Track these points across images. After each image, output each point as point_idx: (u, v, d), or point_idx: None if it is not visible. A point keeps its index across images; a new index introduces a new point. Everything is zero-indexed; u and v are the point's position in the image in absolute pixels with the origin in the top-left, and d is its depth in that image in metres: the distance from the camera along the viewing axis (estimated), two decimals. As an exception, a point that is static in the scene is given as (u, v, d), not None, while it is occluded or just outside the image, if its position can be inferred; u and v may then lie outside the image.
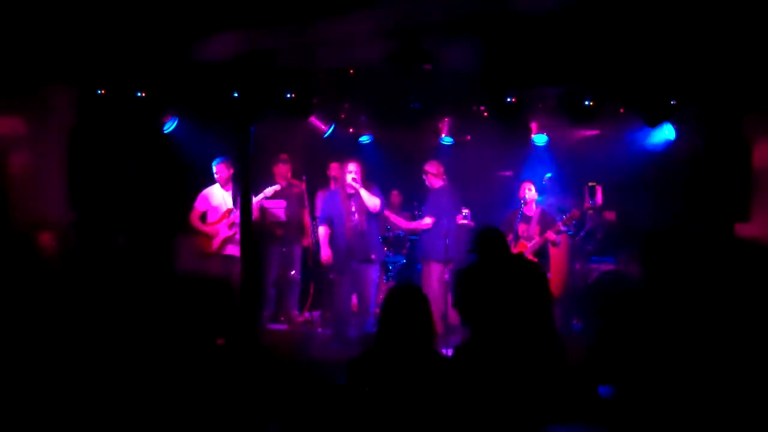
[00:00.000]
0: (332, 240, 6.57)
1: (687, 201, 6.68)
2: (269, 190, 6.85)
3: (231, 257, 6.73)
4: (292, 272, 7.23)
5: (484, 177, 8.31)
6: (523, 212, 6.67)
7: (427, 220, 6.82)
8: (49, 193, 6.28)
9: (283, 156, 7.34)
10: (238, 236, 6.63)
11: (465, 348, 3.02)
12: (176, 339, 2.66)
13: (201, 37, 5.66)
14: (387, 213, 6.93)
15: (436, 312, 6.70)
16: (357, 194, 6.37)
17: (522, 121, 7.45)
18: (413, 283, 6.49)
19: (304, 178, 7.41)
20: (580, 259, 7.47)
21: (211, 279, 2.87)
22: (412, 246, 7.74)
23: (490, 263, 4.17)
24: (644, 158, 7.34)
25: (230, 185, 6.86)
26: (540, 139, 7.73)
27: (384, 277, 7.57)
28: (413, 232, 7.42)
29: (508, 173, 8.46)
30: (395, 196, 8.16)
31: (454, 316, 6.19)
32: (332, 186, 7.64)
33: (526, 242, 6.50)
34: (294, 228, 7.28)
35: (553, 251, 6.77)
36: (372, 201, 6.35)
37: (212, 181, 6.88)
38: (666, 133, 7.09)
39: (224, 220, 6.77)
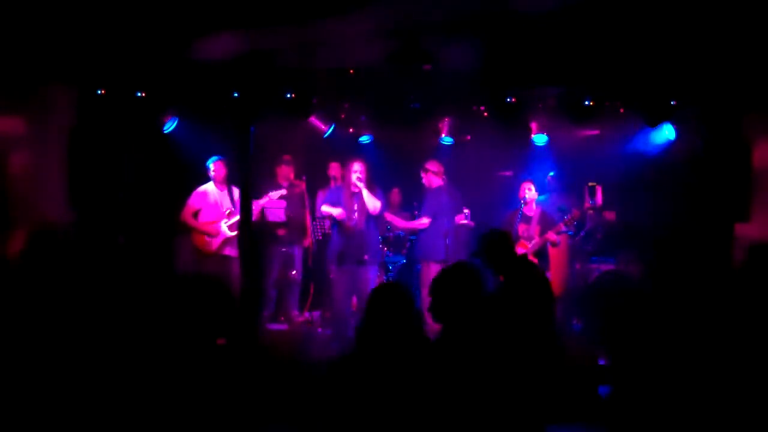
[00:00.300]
0: (330, 237, 6.66)
1: (687, 201, 6.68)
2: (275, 194, 6.86)
3: (228, 257, 6.74)
4: (293, 272, 7.24)
5: (484, 177, 8.31)
6: (523, 212, 6.67)
7: (424, 220, 6.81)
8: (49, 193, 6.27)
9: (286, 157, 7.35)
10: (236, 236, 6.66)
11: (439, 344, 3.02)
12: (176, 339, 2.66)
13: (201, 37, 5.66)
14: (385, 213, 6.93)
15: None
16: (360, 194, 6.38)
17: (522, 121, 7.45)
18: (399, 282, 6.50)
19: (304, 178, 7.42)
20: (580, 259, 7.47)
21: (210, 278, 2.86)
22: (412, 246, 7.74)
23: (496, 265, 4.17)
24: (644, 158, 7.34)
25: (225, 184, 6.87)
26: (540, 139, 7.73)
27: (384, 277, 7.57)
28: (412, 232, 7.42)
29: (508, 173, 8.45)
30: (395, 194, 8.16)
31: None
32: (332, 186, 7.65)
33: (526, 242, 6.50)
34: (294, 228, 7.28)
35: (553, 251, 6.77)
36: (373, 202, 6.35)
37: (207, 179, 6.89)
38: (666, 133, 7.09)
39: (223, 221, 6.77)
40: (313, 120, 7.76)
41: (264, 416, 2.92)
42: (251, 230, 6.34)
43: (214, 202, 6.84)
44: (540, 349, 3.75)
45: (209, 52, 5.76)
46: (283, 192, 6.93)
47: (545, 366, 3.78)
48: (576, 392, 5.11)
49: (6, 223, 5.82)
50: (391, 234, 7.75)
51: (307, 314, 7.44)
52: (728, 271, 5.86)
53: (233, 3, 5.40)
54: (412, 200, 7.95)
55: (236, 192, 6.86)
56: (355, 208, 6.43)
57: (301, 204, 7.34)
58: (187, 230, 6.86)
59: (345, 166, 6.70)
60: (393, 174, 8.03)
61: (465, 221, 7.21)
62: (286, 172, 7.27)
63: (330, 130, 8.04)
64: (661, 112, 6.79)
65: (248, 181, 6.14)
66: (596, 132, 7.92)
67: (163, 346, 2.68)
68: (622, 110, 7.12)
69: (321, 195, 7.79)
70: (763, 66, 5.70)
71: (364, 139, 8.40)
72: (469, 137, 8.44)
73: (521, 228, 6.54)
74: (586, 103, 6.81)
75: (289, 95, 6.89)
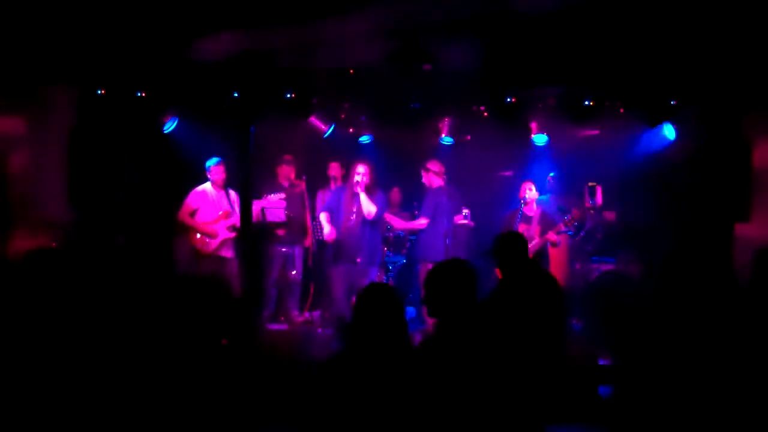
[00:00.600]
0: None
1: (687, 201, 6.68)
2: (275, 197, 6.87)
3: (225, 258, 6.75)
4: (293, 272, 7.24)
5: (484, 177, 8.30)
6: (523, 212, 6.66)
7: (422, 221, 6.80)
8: (49, 193, 6.28)
9: (287, 157, 7.35)
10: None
11: (432, 340, 3.02)
12: (176, 339, 2.66)
13: (201, 37, 5.66)
14: (384, 213, 6.93)
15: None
16: (360, 198, 6.39)
17: (522, 121, 7.44)
18: (386, 284, 6.52)
19: (304, 178, 7.42)
20: (580, 259, 7.47)
21: (211, 279, 2.86)
22: (412, 246, 7.74)
23: (507, 267, 4.16)
24: (644, 158, 7.34)
25: (222, 187, 6.87)
26: (540, 139, 7.72)
27: (384, 278, 7.57)
28: (412, 232, 7.42)
29: (508, 173, 8.45)
30: (395, 194, 8.16)
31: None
32: (332, 186, 7.65)
33: (526, 242, 6.50)
34: (295, 228, 7.28)
35: (553, 251, 6.77)
36: (368, 206, 6.35)
37: (206, 180, 6.89)
38: (666, 133, 7.09)
39: (222, 222, 6.77)
40: (313, 120, 7.76)
41: (264, 416, 2.92)
42: (251, 230, 6.35)
43: (212, 202, 6.84)
44: (541, 349, 3.74)
45: (209, 52, 5.77)
46: (282, 195, 6.93)
47: (546, 366, 3.78)
48: (576, 392, 5.11)
49: (6, 223, 5.83)
50: (391, 234, 7.75)
51: (307, 314, 7.44)
52: (729, 271, 5.86)
53: (233, 3, 5.40)
54: (412, 200, 7.95)
55: (233, 194, 6.87)
56: (354, 209, 6.43)
57: (301, 204, 7.34)
58: (185, 230, 6.86)
59: (349, 166, 6.71)
60: (393, 174, 8.02)
61: (464, 221, 7.20)
62: (287, 171, 7.28)
63: (330, 130, 8.04)
64: (661, 112, 6.79)
65: (248, 181, 6.15)
66: (596, 132, 7.91)
67: (163, 346, 2.68)
68: (622, 110, 7.11)
69: (321, 195, 7.79)
70: (763, 66, 5.70)
71: (364, 139, 8.40)
72: (469, 137, 8.43)
73: (521, 228, 6.54)
74: (586, 103, 6.80)
75: (289, 95, 6.88)
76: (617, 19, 5.48)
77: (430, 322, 6.76)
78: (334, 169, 7.70)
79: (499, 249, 4.17)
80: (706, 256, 6.17)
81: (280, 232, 7.16)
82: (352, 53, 6.10)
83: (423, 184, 7.04)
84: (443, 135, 8.06)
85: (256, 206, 6.77)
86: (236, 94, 6.64)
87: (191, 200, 6.82)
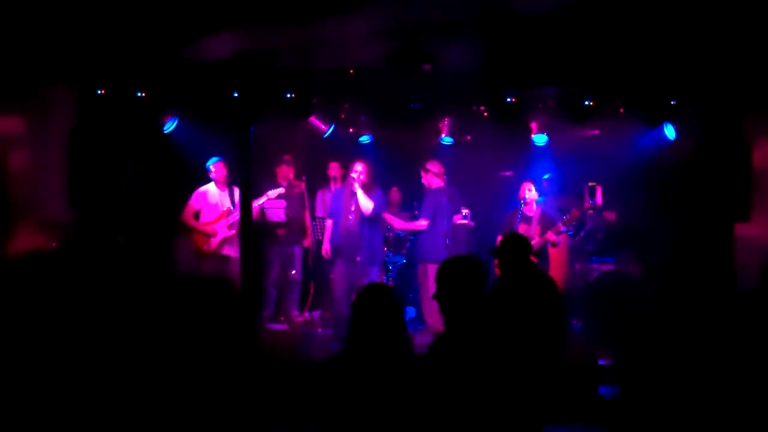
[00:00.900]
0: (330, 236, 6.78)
1: (687, 201, 6.68)
2: (273, 193, 6.86)
3: (227, 257, 6.75)
4: (293, 272, 7.24)
5: (484, 177, 8.30)
6: (523, 212, 6.66)
7: (422, 222, 6.80)
8: (49, 193, 6.28)
9: (287, 157, 7.36)
10: (236, 236, 6.67)
11: (443, 339, 3.02)
12: (176, 338, 2.66)
13: (201, 37, 5.66)
14: (384, 213, 6.93)
15: (435, 312, 6.73)
16: (357, 193, 6.40)
17: (522, 121, 7.44)
18: (384, 284, 6.55)
19: (304, 178, 7.42)
20: (580, 259, 7.47)
21: (217, 279, 2.86)
22: (412, 246, 7.74)
23: (511, 268, 4.18)
24: (644, 158, 7.34)
25: (225, 185, 6.88)
26: (540, 139, 7.72)
27: (384, 278, 7.57)
28: (412, 233, 7.43)
29: (508, 173, 8.45)
30: (395, 194, 8.17)
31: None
32: (332, 186, 7.65)
33: (526, 242, 6.50)
34: (294, 228, 7.29)
35: (553, 251, 6.77)
36: (365, 202, 6.36)
37: (208, 180, 6.90)
38: (666, 133, 7.09)
39: (222, 220, 6.78)
40: (313, 120, 7.76)
41: (264, 416, 2.92)
42: (251, 230, 6.35)
43: (214, 203, 6.85)
44: (536, 347, 3.75)
45: (209, 52, 5.77)
46: (281, 191, 6.93)
47: (545, 366, 3.78)
48: (576, 392, 5.12)
49: (6, 223, 5.83)
50: (391, 234, 7.75)
51: (307, 314, 7.44)
52: (729, 271, 5.87)
53: (233, 3, 5.40)
54: (412, 200, 7.95)
55: (237, 192, 6.88)
56: (353, 208, 6.44)
57: (301, 204, 7.35)
58: (188, 230, 6.88)
59: (348, 165, 6.74)
60: (393, 174, 8.03)
61: (464, 221, 7.20)
62: (285, 172, 7.28)
63: (330, 130, 8.04)
64: (662, 112, 6.79)
65: (248, 181, 6.15)
66: (596, 132, 7.91)
67: (162, 345, 2.68)
68: (622, 110, 7.11)
69: (321, 195, 7.80)
70: (763, 66, 5.70)
71: (364, 139, 8.40)
72: (469, 137, 8.44)
73: (521, 228, 6.54)
74: (586, 103, 6.80)
75: (289, 95, 6.89)
76: (617, 19, 5.48)
77: (430, 322, 6.77)
78: (334, 169, 7.71)
79: (503, 248, 4.23)
80: (705, 256, 6.18)
81: (280, 231, 7.16)
82: (352, 53, 6.10)
83: (423, 185, 7.04)
84: (443, 135, 8.06)
85: (255, 205, 6.78)
86: (236, 94, 6.64)
87: (193, 201, 6.84)
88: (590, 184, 7.05)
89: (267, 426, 3.24)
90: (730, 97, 6.28)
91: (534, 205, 6.72)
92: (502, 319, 3.36)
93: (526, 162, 7.89)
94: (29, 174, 6.16)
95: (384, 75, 6.58)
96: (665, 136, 7.10)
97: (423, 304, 6.89)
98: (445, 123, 8.00)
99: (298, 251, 7.32)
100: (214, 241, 6.77)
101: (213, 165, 6.85)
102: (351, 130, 8.46)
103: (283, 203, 7.08)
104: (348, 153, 7.64)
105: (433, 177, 6.89)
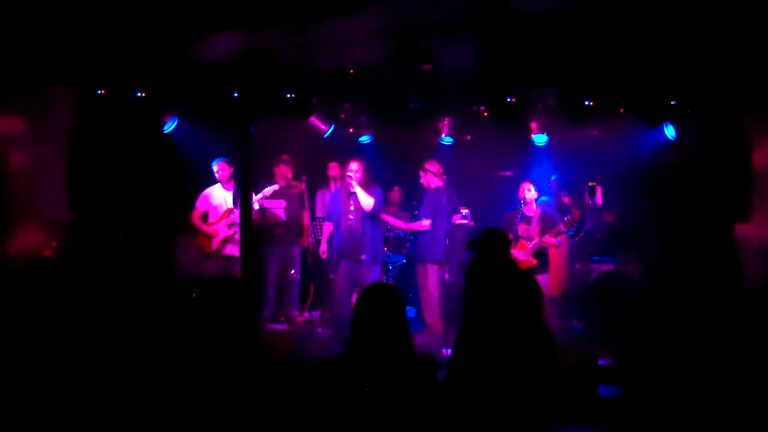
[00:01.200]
0: (330, 237, 6.75)
1: (687, 201, 6.68)
2: (268, 190, 6.87)
3: (230, 257, 6.75)
4: (292, 272, 7.24)
5: (484, 177, 8.30)
6: (523, 212, 6.66)
7: (425, 222, 6.80)
8: (49, 193, 6.28)
9: (285, 157, 7.35)
10: (237, 236, 6.65)
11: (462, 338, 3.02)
12: (176, 338, 2.67)
13: (201, 37, 5.66)
14: (384, 214, 6.93)
15: (435, 312, 6.74)
16: (356, 193, 6.39)
17: (522, 121, 7.44)
18: (385, 283, 6.55)
19: (303, 178, 7.42)
20: (580, 259, 7.47)
21: (220, 279, 2.86)
22: (412, 246, 7.75)
23: (490, 262, 4.17)
24: (644, 158, 7.34)
25: (231, 184, 6.88)
26: (540, 139, 7.72)
27: (384, 277, 7.57)
28: (411, 232, 7.43)
29: (508, 173, 8.45)
30: (395, 193, 8.17)
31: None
32: (332, 186, 7.65)
33: (526, 242, 6.49)
34: (294, 228, 7.28)
35: (552, 251, 6.77)
36: (366, 200, 6.35)
37: (213, 181, 6.89)
38: (666, 133, 7.09)
39: (224, 220, 6.78)
40: (313, 120, 7.76)
41: (264, 416, 2.92)
42: (251, 230, 6.35)
43: (218, 204, 6.85)
44: (532, 348, 3.74)
45: (209, 52, 5.77)
46: (275, 187, 6.93)
47: (538, 365, 3.78)
48: (576, 392, 5.11)
49: (6, 223, 5.83)
50: (391, 234, 7.75)
51: (307, 314, 7.44)
52: (729, 271, 5.86)
53: (233, 3, 5.40)
54: (412, 200, 7.96)
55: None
56: (352, 207, 6.44)
57: (301, 204, 7.35)
58: (194, 232, 6.88)
59: (344, 166, 6.74)
60: (393, 174, 8.03)
61: (464, 221, 7.20)
62: (284, 171, 7.27)
63: (330, 130, 8.04)
64: (662, 112, 6.79)
65: (248, 181, 6.15)
66: (596, 132, 7.92)
67: (162, 345, 2.68)
68: (622, 110, 7.11)
69: (321, 195, 7.80)
70: (763, 66, 5.70)
71: (364, 139, 8.41)
72: (469, 137, 8.44)
73: (521, 228, 6.53)
74: (586, 103, 6.80)
75: (289, 95, 6.89)
76: (617, 20, 5.47)
77: (430, 322, 6.77)
78: (334, 169, 7.70)
79: (481, 242, 4.22)
80: (705, 256, 6.18)
81: (279, 231, 7.16)
82: (352, 53, 6.10)
83: (422, 185, 7.04)
84: (443, 135, 8.07)
85: (254, 204, 6.78)
86: (236, 94, 6.64)
87: (199, 204, 6.86)
88: (590, 184, 7.05)
89: (267, 426, 3.24)
90: (730, 97, 6.29)
91: (534, 205, 6.71)
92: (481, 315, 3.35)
93: (526, 162, 7.89)
94: (29, 174, 6.16)
95: (384, 75, 6.58)
96: (665, 136, 7.11)
97: (423, 304, 6.89)
98: (445, 123, 8.00)
99: (297, 251, 7.31)
100: (216, 241, 6.77)
101: (216, 165, 6.85)
102: (351, 130, 8.47)
103: (282, 203, 7.07)
104: (348, 153, 7.65)
105: (432, 177, 6.89)
